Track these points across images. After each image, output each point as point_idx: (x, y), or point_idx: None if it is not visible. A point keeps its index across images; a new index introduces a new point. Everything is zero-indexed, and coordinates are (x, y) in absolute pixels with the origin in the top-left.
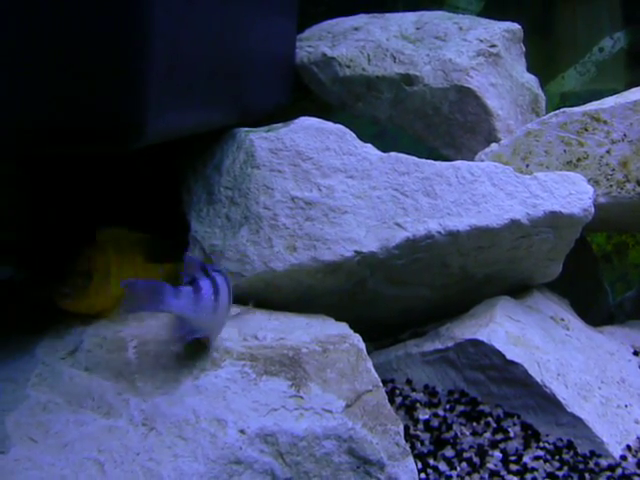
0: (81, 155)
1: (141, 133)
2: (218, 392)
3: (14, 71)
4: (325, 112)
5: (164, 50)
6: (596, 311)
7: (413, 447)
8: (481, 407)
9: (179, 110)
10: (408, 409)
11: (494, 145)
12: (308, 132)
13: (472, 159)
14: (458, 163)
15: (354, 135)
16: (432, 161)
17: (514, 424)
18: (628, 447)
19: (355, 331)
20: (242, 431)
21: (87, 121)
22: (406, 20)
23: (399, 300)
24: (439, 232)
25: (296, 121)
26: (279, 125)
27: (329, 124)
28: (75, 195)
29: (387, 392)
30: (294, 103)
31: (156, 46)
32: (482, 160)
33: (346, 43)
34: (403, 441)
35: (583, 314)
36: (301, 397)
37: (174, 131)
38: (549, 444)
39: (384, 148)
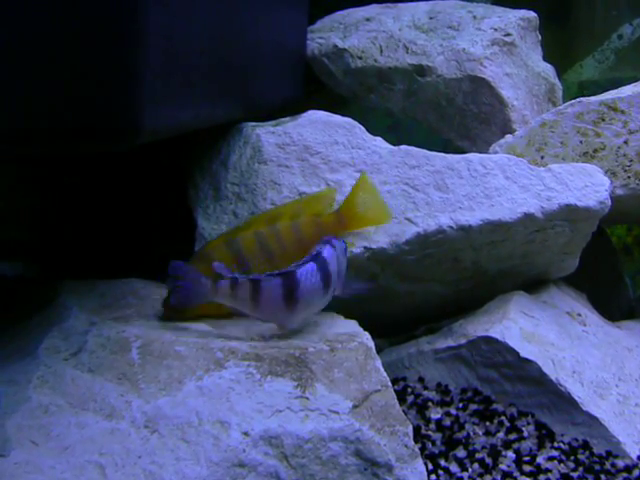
0: (78, 154)
1: (137, 131)
2: (222, 393)
3: (9, 70)
4: (340, 105)
5: (159, 45)
6: (616, 305)
7: (424, 447)
8: (494, 406)
9: (177, 106)
10: (420, 408)
11: (508, 136)
12: (316, 126)
13: (487, 150)
14: (470, 156)
15: (363, 128)
16: (443, 154)
17: (528, 423)
18: None
19: (368, 328)
20: (246, 433)
21: (81, 120)
22: (419, 10)
23: (412, 296)
24: (450, 227)
25: (304, 115)
26: (286, 119)
27: (337, 117)
28: (83, 194)
29: (399, 391)
30: (307, 96)
31: (150, 41)
32: (496, 152)
33: (358, 34)
34: (412, 442)
35: (602, 308)
36: (307, 398)
37: (173, 128)
38: (564, 444)
39: (399, 140)
